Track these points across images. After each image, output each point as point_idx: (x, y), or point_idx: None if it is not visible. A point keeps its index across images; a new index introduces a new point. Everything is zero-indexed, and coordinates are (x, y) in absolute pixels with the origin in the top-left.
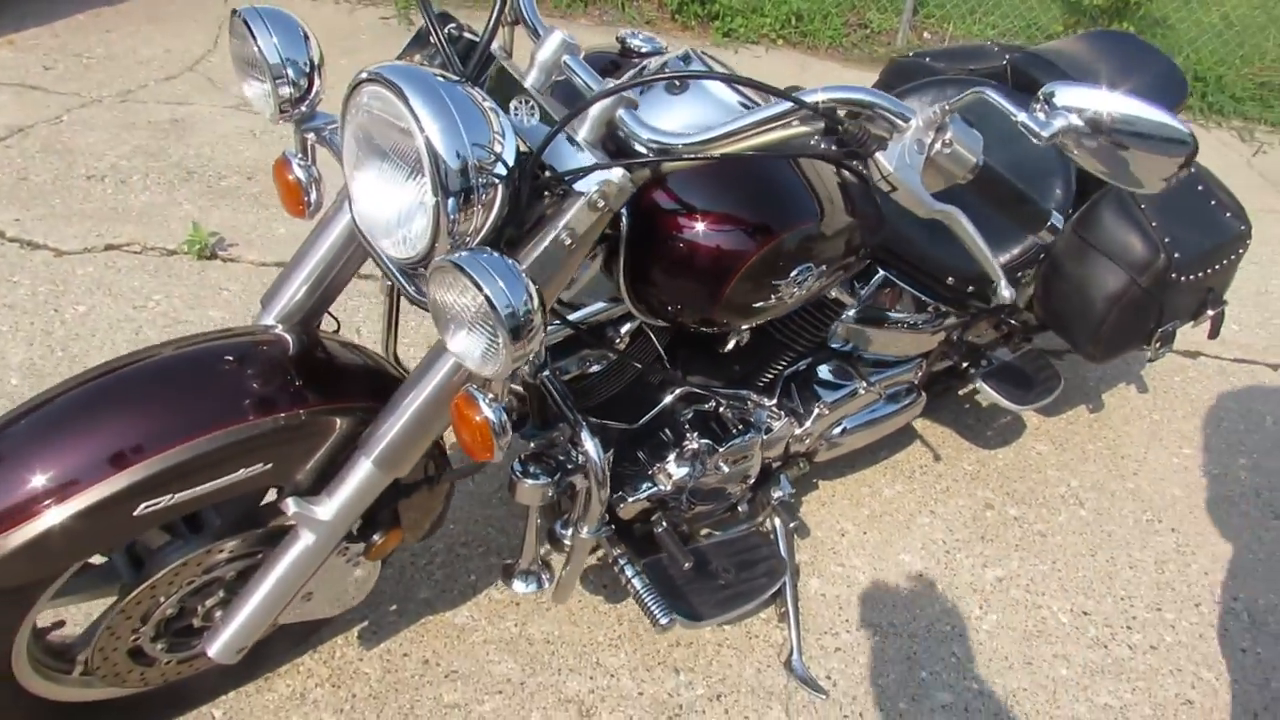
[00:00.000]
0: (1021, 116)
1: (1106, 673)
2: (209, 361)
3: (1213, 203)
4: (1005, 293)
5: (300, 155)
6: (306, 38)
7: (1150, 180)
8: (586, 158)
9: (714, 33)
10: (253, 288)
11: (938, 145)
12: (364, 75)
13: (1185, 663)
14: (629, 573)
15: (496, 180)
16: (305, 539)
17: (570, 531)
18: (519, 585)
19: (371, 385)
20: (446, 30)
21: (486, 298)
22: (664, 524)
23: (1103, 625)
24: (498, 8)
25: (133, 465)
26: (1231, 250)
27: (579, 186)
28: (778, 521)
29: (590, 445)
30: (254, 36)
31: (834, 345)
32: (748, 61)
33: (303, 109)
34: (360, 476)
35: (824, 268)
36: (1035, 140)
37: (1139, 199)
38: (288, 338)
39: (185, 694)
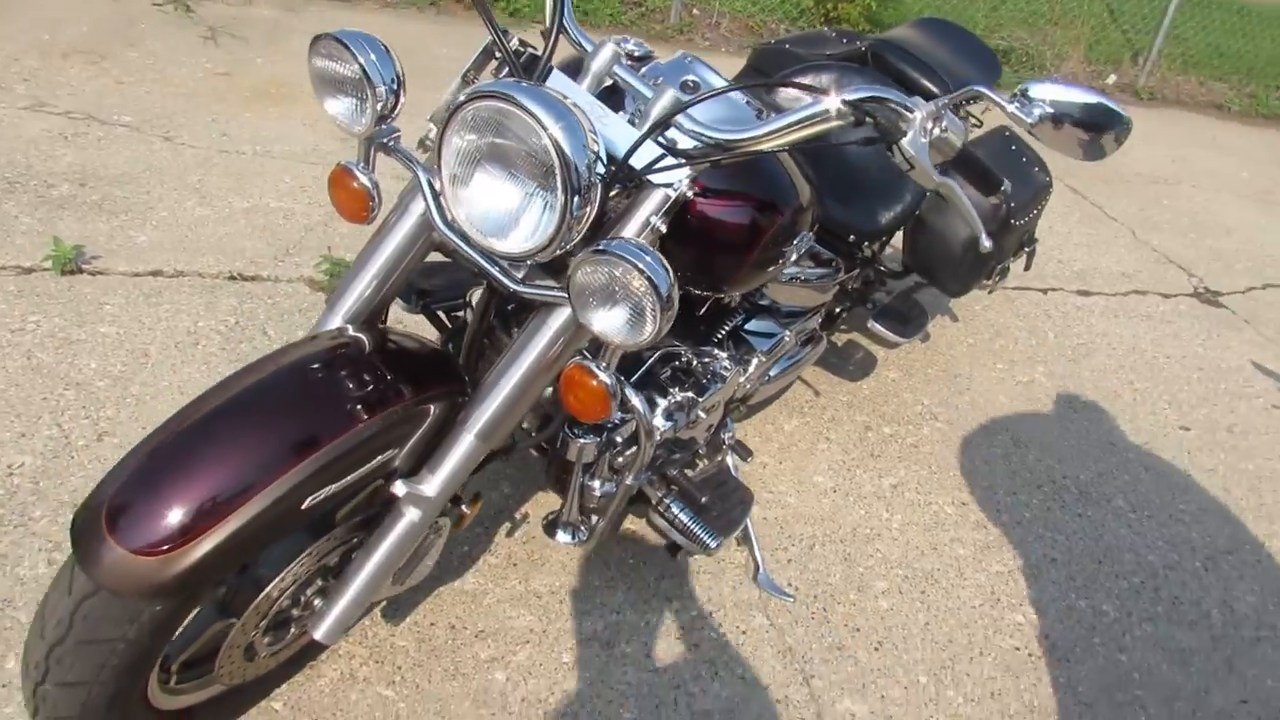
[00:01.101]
0: (1011, 108)
1: (991, 547)
2: (319, 369)
3: (1024, 159)
4: (986, 243)
5: (363, 164)
6: (391, 56)
7: (1097, 154)
8: (651, 152)
9: (500, 13)
10: (135, 299)
11: (936, 131)
12: (480, 92)
13: (1043, 530)
14: (675, 509)
15: (599, 179)
16: (410, 516)
17: (599, 485)
18: (563, 536)
19: (445, 370)
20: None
21: (649, 279)
22: (672, 470)
23: (979, 511)
24: (556, 24)
25: (298, 464)
26: (1043, 198)
27: (656, 179)
28: (733, 459)
29: (638, 400)
30: (354, 56)
31: (763, 302)
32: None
33: (390, 122)
34: (463, 450)
35: (809, 234)
36: (1020, 127)
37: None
38: (363, 337)
39: (251, 690)
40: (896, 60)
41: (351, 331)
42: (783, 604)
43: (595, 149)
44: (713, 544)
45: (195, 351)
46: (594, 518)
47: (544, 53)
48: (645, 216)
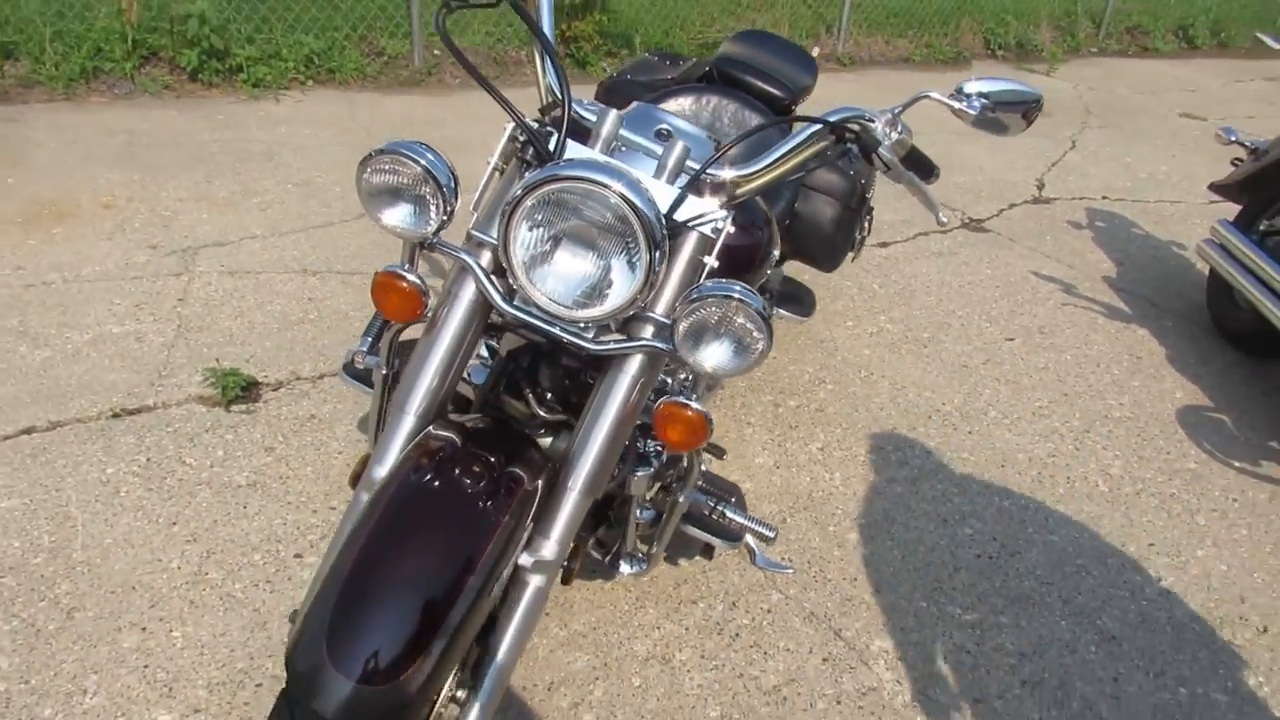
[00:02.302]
0: (958, 105)
1: (919, 478)
2: (440, 479)
3: None
4: (942, 218)
5: (408, 265)
6: (443, 157)
7: (1020, 129)
8: (682, 200)
9: (242, 86)
10: (20, 464)
11: (894, 135)
12: (543, 179)
13: (950, 452)
14: (730, 512)
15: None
16: (537, 582)
17: (652, 512)
18: (626, 568)
19: (524, 440)
20: (530, 127)
21: (756, 310)
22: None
23: (895, 451)
24: (566, 101)
25: (470, 578)
26: (873, 174)
27: (694, 224)
28: (709, 456)
29: None
30: (416, 163)
31: None
32: (291, 108)
33: (446, 225)
34: (571, 509)
35: (778, 239)
36: (965, 120)
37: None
38: (451, 436)
39: None
40: (740, 74)
41: (435, 431)
42: (786, 577)
43: (658, 206)
44: (770, 534)
45: (120, 500)
46: (651, 545)
47: (561, 128)
48: (698, 258)
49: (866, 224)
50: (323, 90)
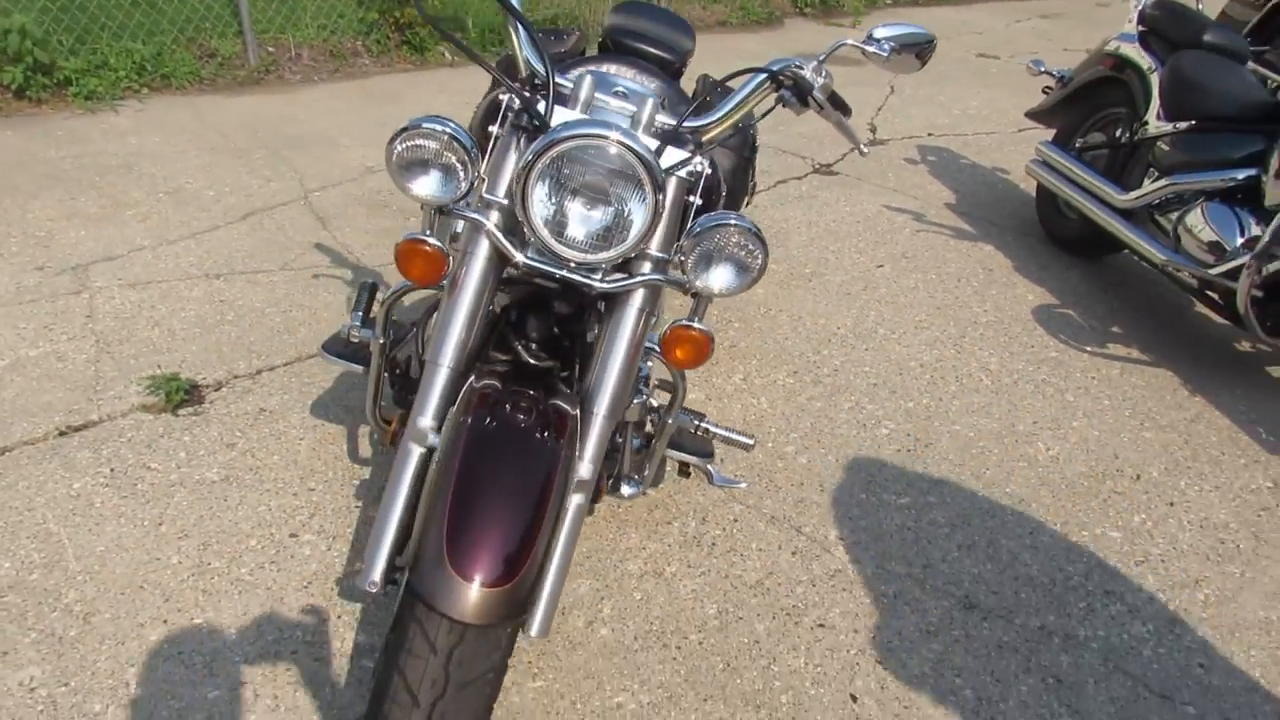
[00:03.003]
0: (870, 49)
1: (834, 394)
2: (503, 417)
3: None
4: (864, 149)
5: (429, 231)
6: (468, 132)
7: (917, 68)
8: (663, 149)
9: (74, 100)
10: None
11: (820, 80)
12: (561, 136)
13: (856, 367)
14: (712, 427)
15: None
16: (578, 500)
17: (641, 439)
18: (628, 489)
19: (550, 372)
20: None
21: (755, 234)
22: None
23: (808, 373)
24: (549, 71)
25: (552, 494)
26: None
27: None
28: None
29: None
30: (447, 135)
31: None
32: (133, 118)
33: (474, 186)
34: (599, 432)
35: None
36: (877, 63)
37: None
38: (493, 382)
39: None
40: (635, 42)
41: (481, 379)
42: (741, 490)
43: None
44: (750, 441)
45: (98, 510)
46: (643, 468)
47: (549, 95)
48: (682, 198)
49: (753, 172)
50: (160, 97)
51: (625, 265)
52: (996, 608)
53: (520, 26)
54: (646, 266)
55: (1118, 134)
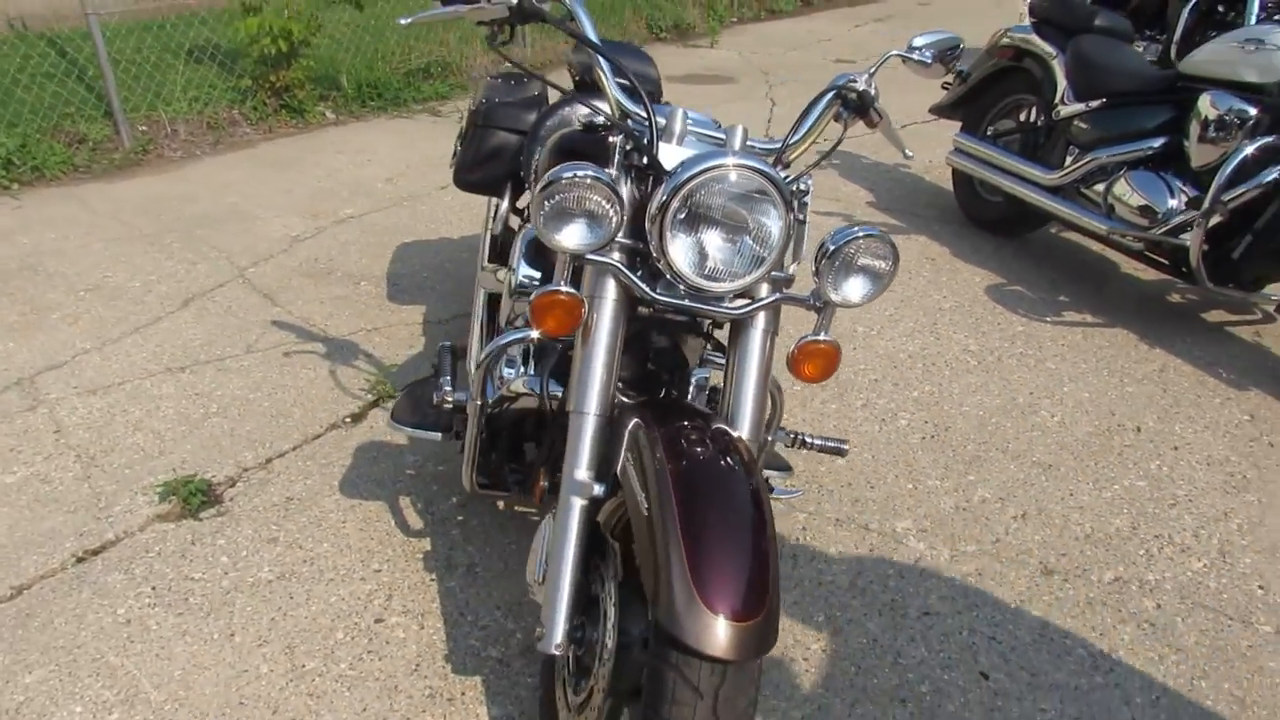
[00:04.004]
0: (915, 58)
1: (845, 393)
2: (698, 452)
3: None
4: (909, 153)
5: (563, 281)
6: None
7: (943, 74)
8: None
9: None
10: (11, 633)
11: (874, 92)
12: (729, 163)
13: (844, 366)
14: (807, 438)
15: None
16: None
17: None
18: None
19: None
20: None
21: (888, 241)
22: None
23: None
24: (650, 109)
25: (764, 519)
26: None
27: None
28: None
29: None
30: (594, 180)
31: None
32: (15, 216)
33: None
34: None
35: None
36: (919, 71)
37: None
38: (646, 415)
39: None
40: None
41: (642, 418)
42: (799, 499)
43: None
44: (846, 443)
45: (155, 633)
46: None
47: (651, 133)
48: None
49: None
50: (35, 191)
51: (747, 290)
52: (1071, 568)
53: (607, 66)
54: (764, 289)
55: (1028, 118)
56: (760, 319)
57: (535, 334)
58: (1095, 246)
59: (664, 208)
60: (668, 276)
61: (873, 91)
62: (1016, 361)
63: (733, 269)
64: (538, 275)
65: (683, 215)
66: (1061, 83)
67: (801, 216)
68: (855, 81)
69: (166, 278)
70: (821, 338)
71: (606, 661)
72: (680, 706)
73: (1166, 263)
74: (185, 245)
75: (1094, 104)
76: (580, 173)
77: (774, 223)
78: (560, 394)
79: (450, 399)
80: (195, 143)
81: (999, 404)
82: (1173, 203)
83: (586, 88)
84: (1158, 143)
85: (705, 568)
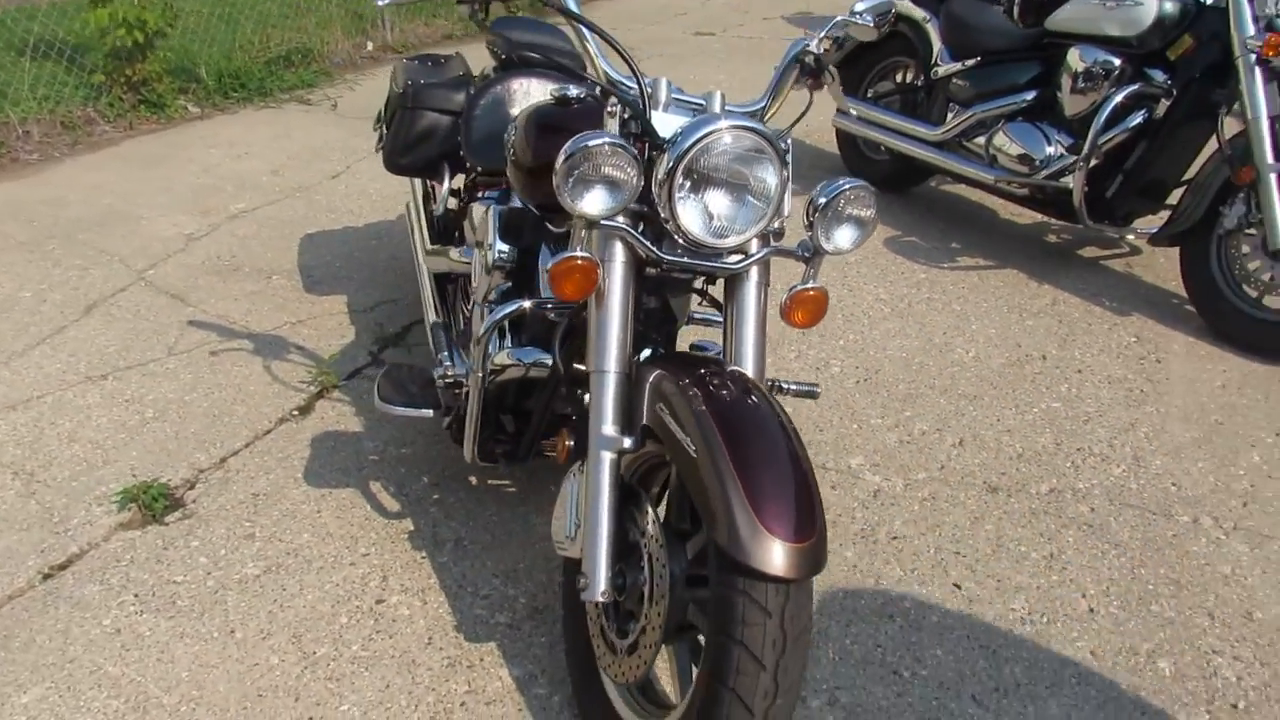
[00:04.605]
0: (859, 21)
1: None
2: (721, 396)
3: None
4: (850, 109)
5: (580, 246)
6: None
7: (874, 35)
8: None
9: None
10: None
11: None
12: (725, 126)
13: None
14: (782, 382)
15: None
16: None
17: None
18: None
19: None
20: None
21: (870, 189)
22: None
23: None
24: (640, 81)
25: (799, 448)
26: None
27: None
28: None
29: None
30: (613, 146)
31: None
32: None
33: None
34: None
35: None
36: (864, 35)
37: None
38: (669, 368)
39: None
40: (546, 54)
41: (665, 370)
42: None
43: None
44: (818, 387)
45: (151, 638)
46: None
47: (643, 100)
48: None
49: None
50: None
51: (741, 245)
52: (1011, 485)
53: (591, 37)
54: (754, 244)
55: (904, 79)
56: (754, 272)
57: (527, 304)
58: (974, 195)
59: (671, 173)
60: (676, 238)
61: (823, 55)
62: (926, 306)
63: (737, 225)
64: (508, 250)
65: (690, 180)
66: (936, 44)
67: (787, 173)
68: (810, 47)
69: (59, 285)
70: (811, 286)
71: (660, 600)
72: (751, 627)
73: (1050, 204)
74: (70, 251)
75: (969, 63)
76: (602, 140)
77: (772, 177)
78: (549, 361)
79: (451, 374)
80: (51, 144)
81: (918, 345)
82: (1050, 150)
83: (514, 65)
84: (1030, 96)
85: (761, 497)
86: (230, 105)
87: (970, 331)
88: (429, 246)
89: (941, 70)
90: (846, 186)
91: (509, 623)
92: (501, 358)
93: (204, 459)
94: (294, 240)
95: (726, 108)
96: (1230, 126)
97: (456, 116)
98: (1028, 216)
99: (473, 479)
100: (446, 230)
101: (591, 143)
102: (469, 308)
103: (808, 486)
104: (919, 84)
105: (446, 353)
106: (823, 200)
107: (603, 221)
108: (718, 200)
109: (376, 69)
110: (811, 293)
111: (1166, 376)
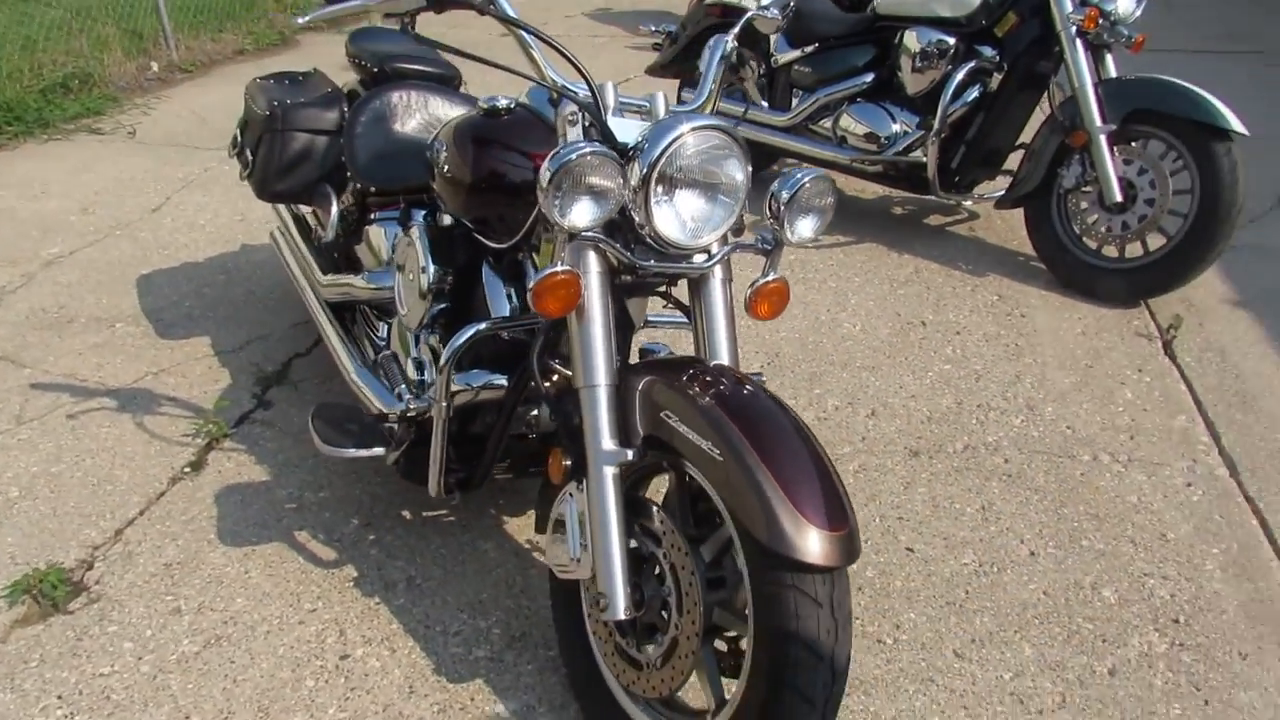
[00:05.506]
0: (768, 14)
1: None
2: (721, 383)
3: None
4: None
5: (560, 261)
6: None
7: (780, 23)
8: None
9: None
10: None
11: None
12: (691, 128)
13: None
14: None
15: None
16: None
17: None
18: None
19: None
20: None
21: (829, 179)
22: None
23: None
24: (593, 86)
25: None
26: None
27: None
28: None
29: None
30: (600, 157)
31: None
32: None
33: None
34: None
35: None
36: (768, 28)
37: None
38: (660, 375)
39: None
40: (412, 65)
41: (660, 377)
42: None
43: None
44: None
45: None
46: None
47: (597, 106)
48: None
49: None
50: None
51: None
52: (930, 447)
53: (536, 44)
54: (716, 243)
55: (748, 67)
56: (719, 269)
57: (484, 325)
58: None
59: (646, 180)
60: (650, 243)
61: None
62: (803, 286)
63: (710, 224)
64: (443, 271)
65: (663, 185)
66: (769, 31)
67: (750, 167)
68: (729, 42)
69: None
70: (773, 277)
71: (693, 608)
72: (804, 620)
73: (902, 179)
74: None
75: (808, 50)
76: (585, 150)
77: (740, 173)
78: (504, 384)
79: (414, 408)
80: None
81: (808, 325)
82: (895, 127)
83: (386, 78)
84: (870, 78)
85: (796, 490)
86: (6, 142)
87: (851, 306)
88: (322, 277)
89: (781, 59)
90: (806, 179)
91: (490, 656)
92: (464, 383)
93: (95, 534)
94: (128, 283)
95: (671, 109)
96: (1058, 95)
97: (332, 135)
98: (870, 191)
99: (406, 513)
100: (338, 257)
101: (575, 154)
102: (381, 336)
103: (831, 473)
104: (761, 72)
105: (404, 385)
106: (786, 194)
107: (585, 237)
108: (691, 202)
109: (168, 91)
110: (774, 284)
111: (1034, 329)
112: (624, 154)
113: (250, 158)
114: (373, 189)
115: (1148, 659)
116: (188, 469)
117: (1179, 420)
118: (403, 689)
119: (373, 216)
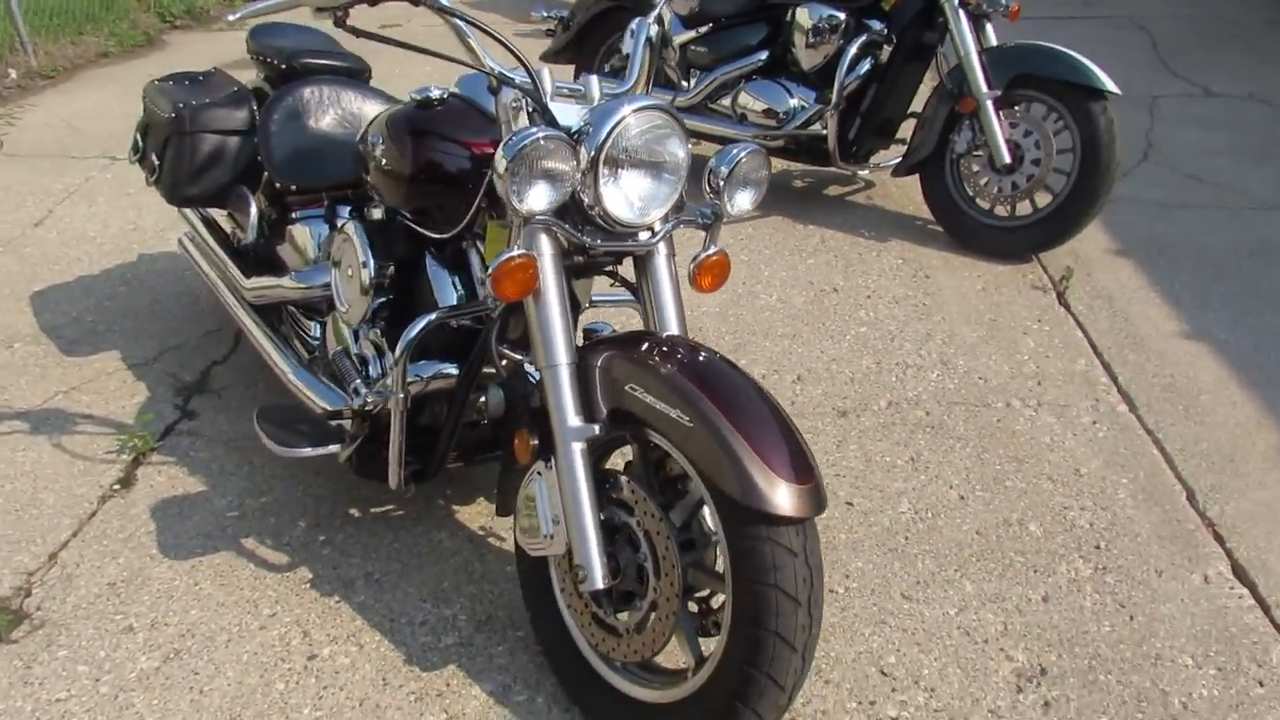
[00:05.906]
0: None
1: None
2: (680, 350)
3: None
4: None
5: (516, 247)
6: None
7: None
8: None
9: None
10: None
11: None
12: (633, 109)
13: None
14: None
15: None
16: None
17: None
18: None
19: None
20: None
21: (764, 152)
22: None
23: None
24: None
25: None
26: None
27: None
28: None
29: None
30: (555, 141)
31: None
32: None
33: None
34: None
35: None
36: (688, 5)
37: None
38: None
39: None
40: (320, 60)
41: (617, 348)
42: None
43: None
44: None
45: None
46: None
47: (538, 92)
48: None
49: None
50: None
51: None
52: (856, 406)
53: (472, 33)
54: (659, 221)
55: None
56: (664, 245)
57: (434, 316)
58: (710, 150)
59: (595, 162)
60: (600, 223)
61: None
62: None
63: (656, 202)
64: (383, 265)
65: (610, 167)
66: (667, 15)
67: (690, 144)
68: (651, 25)
69: None
70: (714, 250)
71: (671, 571)
72: (783, 570)
73: (803, 153)
74: None
75: (702, 30)
76: (538, 135)
77: (681, 150)
78: (455, 373)
79: (370, 401)
80: None
81: (726, 299)
82: (792, 102)
83: (294, 75)
84: (764, 55)
85: (765, 448)
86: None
87: (765, 278)
88: (246, 281)
89: (677, 40)
90: (742, 153)
91: (459, 642)
92: (415, 375)
93: (28, 560)
94: (21, 300)
95: (606, 92)
96: (945, 65)
97: (244, 135)
98: (771, 166)
99: (354, 511)
100: (261, 259)
101: (529, 139)
102: (314, 335)
103: (793, 430)
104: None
105: (359, 381)
106: (724, 169)
107: (537, 222)
108: (637, 181)
109: (31, 99)
110: (715, 257)
111: (938, 289)
112: (570, 137)
113: (157, 163)
114: (293, 188)
115: (1076, 583)
116: (117, 486)
117: (1079, 364)
118: (375, 682)
119: (294, 215)
